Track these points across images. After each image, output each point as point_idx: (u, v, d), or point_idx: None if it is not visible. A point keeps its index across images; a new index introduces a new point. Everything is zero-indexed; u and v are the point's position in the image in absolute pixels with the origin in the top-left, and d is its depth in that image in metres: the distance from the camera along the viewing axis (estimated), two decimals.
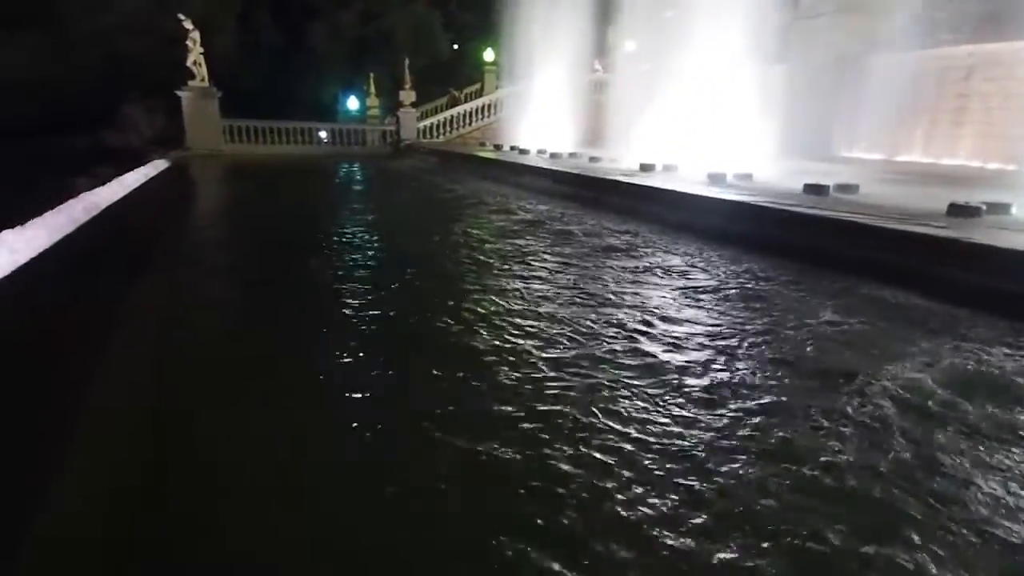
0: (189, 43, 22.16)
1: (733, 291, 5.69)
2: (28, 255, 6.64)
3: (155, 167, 16.83)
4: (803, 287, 5.80)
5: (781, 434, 3.05)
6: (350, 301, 5.49)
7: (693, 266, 6.67)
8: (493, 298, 5.44)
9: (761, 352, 4.17)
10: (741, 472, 2.71)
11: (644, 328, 4.61)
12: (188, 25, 21.91)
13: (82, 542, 2.36)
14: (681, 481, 2.63)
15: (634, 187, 10.83)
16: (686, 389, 3.56)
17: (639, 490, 2.57)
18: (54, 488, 2.68)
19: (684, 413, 3.26)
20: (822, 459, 2.81)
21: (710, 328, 4.65)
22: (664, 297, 5.48)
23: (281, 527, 2.43)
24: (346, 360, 4.11)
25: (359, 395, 3.58)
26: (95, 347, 4.36)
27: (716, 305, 5.28)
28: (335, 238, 8.70)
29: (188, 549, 2.31)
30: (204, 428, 3.23)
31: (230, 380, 3.88)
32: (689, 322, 4.78)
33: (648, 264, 6.72)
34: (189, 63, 22.32)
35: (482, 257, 7.23)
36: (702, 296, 5.53)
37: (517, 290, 5.71)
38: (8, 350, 4.21)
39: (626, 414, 3.24)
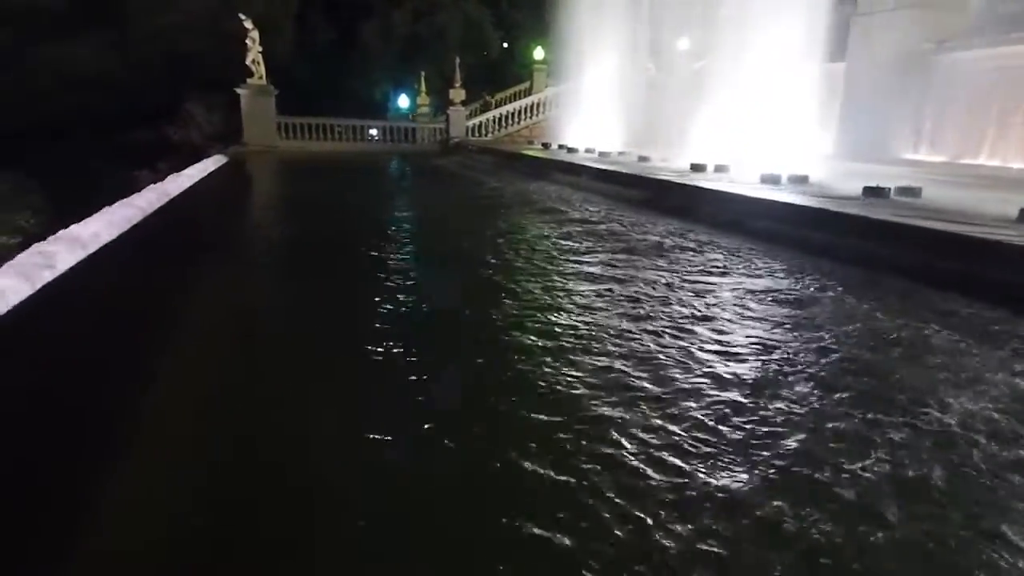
0: (248, 42, 22.83)
1: (796, 295, 5.56)
2: (96, 246, 6.97)
3: (214, 162, 17.41)
4: (866, 294, 5.63)
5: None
6: (397, 296, 5.62)
7: (745, 269, 6.55)
8: (538, 300, 5.45)
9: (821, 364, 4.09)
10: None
11: (700, 341, 4.57)
12: (248, 25, 22.57)
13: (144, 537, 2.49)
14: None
15: (685, 187, 10.71)
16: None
17: None
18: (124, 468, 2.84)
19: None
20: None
21: (769, 336, 4.55)
22: (718, 300, 5.40)
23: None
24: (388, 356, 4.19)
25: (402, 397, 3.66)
26: (160, 335, 4.58)
27: (779, 310, 5.16)
28: (384, 233, 8.87)
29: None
30: (263, 418, 3.36)
31: (288, 369, 4.02)
32: (748, 329, 4.68)
33: (701, 266, 6.63)
34: (248, 61, 22.99)
35: (527, 256, 7.26)
36: (761, 300, 5.42)
37: (563, 290, 5.73)
38: (78, 336, 4.45)
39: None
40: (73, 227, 7.20)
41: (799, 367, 3.90)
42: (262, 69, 23.26)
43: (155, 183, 12.24)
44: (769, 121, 15.78)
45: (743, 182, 10.82)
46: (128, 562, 2.23)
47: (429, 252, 7.97)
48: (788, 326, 4.74)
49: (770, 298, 5.45)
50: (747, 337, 4.42)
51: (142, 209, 9.31)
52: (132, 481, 2.69)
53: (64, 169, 24.45)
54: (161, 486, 2.68)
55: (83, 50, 27.28)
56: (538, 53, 29.88)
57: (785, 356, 4.09)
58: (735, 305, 5.22)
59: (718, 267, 6.57)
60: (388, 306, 5.27)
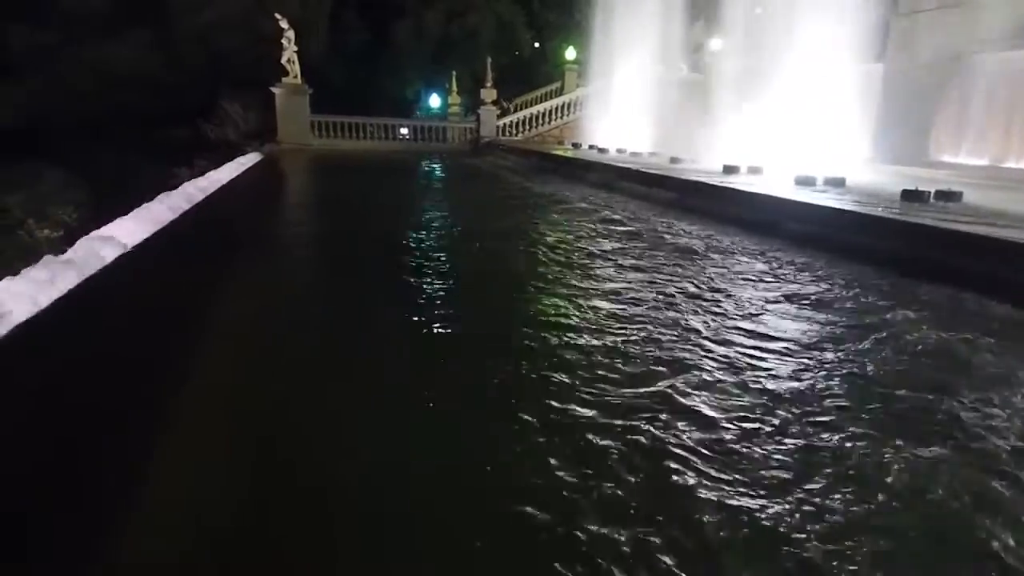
0: (284, 42, 23.21)
1: (835, 301, 5.48)
2: (137, 241, 7.15)
3: (250, 159, 17.74)
4: (910, 302, 5.50)
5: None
6: (424, 295, 5.66)
7: (779, 273, 6.45)
8: (562, 303, 5.43)
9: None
10: None
11: (733, 342, 4.52)
12: (284, 24, 22.95)
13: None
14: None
15: (717, 189, 10.59)
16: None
17: None
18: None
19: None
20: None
21: (807, 338, 4.49)
22: (754, 304, 5.34)
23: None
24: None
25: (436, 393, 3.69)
26: (195, 329, 4.70)
27: (816, 314, 5.08)
28: (413, 232, 8.95)
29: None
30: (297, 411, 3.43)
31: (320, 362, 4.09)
32: (782, 331, 4.62)
33: (734, 269, 6.56)
34: (283, 61, 23.37)
35: (556, 257, 7.26)
36: (796, 304, 5.35)
37: (593, 292, 5.72)
38: (119, 328, 4.59)
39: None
40: (112, 224, 7.42)
41: (844, 376, 3.83)
42: (297, 68, 23.63)
43: (192, 180, 12.53)
44: (805, 122, 15.56)
45: (777, 184, 10.67)
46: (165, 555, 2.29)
47: (456, 254, 8.02)
48: (828, 334, 4.59)
49: (807, 303, 5.36)
50: (788, 344, 4.34)
51: (179, 206, 9.54)
52: (169, 471, 2.77)
53: (105, 165, 25.15)
54: (199, 473, 2.75)
55: (125, 50, 28.01)
56: (570, 53, 29.84)
57: (832, 368, 3.96)
58: (772, 310, 5.13)
59: (752, 270, 6.49)
60: (421, 300, 5.32)
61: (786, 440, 2.97)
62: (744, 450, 2.86)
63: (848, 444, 2.94)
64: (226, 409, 3.44)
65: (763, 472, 2.68)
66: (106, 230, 7.01)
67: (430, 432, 3.14)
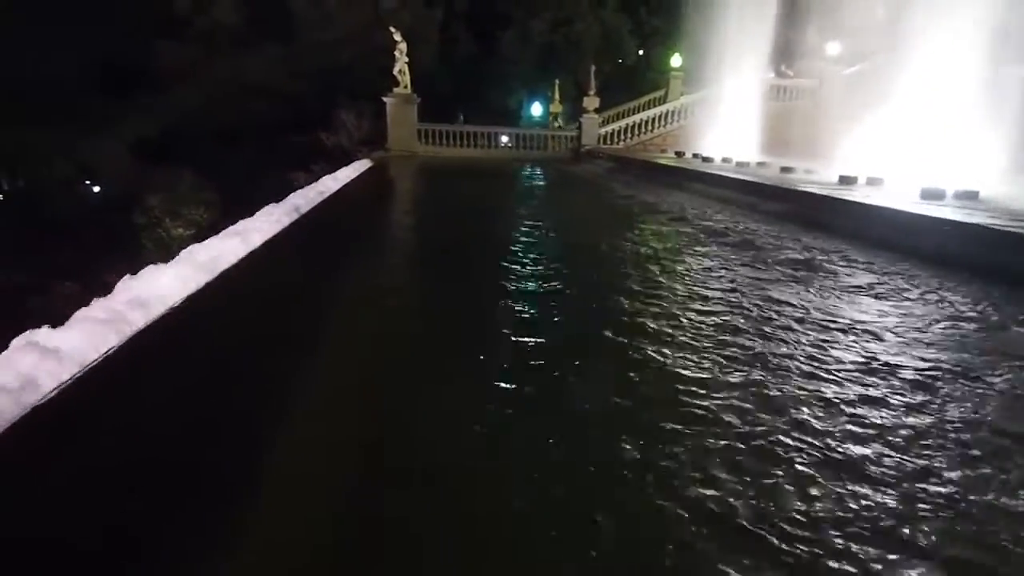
0: (397, 53, 24.23)
1: (974, 326, 5.01)
2: (261, 239, 7.73)
3: (361, 165, 18.68)
4: None
5: None
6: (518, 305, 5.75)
7: (904, 293, 6.02)
8: (665, 327, 5.35)
9: None
10: None
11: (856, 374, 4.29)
12: (397, 37, 23.97)
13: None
14: None
15: (834, 201, 10.03)
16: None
17: None
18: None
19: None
20: None
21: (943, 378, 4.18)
22: (875, 328, 4.99)
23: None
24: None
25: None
26: (320, 321, 5.03)
27: (952, 341, 4.67)
28: (518, 236, 9.09)
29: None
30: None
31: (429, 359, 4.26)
32: (911, 367, 4.16)
33: (853, 288, 6.18)
34: (395, 71, 24.41)
35: (659, 273, 7.16)
36: (926, 328, 4.94)
37: (694, 316, 5.59)
38: (247, 322, 4.99)
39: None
40: (238, 224, 8.06)
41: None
42: (407, 79, 24.59)
43: (309, 184, 13.38)
44: (932, 130, 14.46)
45: (901, 197, 9.98)
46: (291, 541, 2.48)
47: (557, 259, 8.08)
48: (964, 370, 4.07)
49: (939, 328, 4.91)
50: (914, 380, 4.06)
51: (298, 208, 10.22)
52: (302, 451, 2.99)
53: (232, 170, 27.28)
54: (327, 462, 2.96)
55: (255, 63, 30.27)
56: (675, 60, 29.29)
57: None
58: (895, 333, 4.79)
59: (871, 290, 6.07)
60: (525, 305, 5.43)
61: None
62: None
63: None
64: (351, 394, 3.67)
65: None
66: (233, 229, 7.64)
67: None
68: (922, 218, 8.12)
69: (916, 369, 3.97)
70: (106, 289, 4.67)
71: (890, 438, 3.07)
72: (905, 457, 2.88)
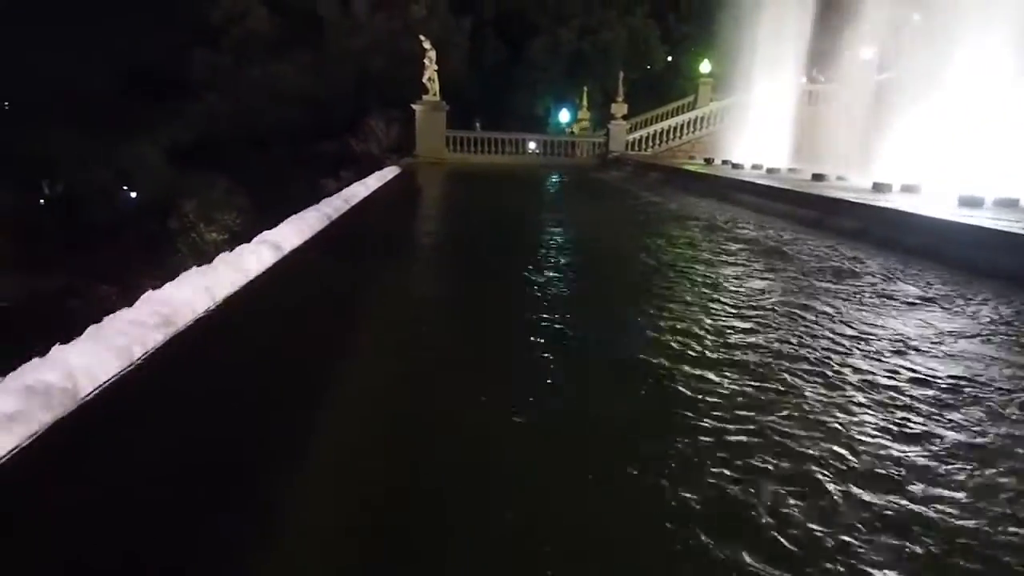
0: (426, 61, 24.43)
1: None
2: (294, 244, 7.84)
3: (390, 172, 18.84)
4: None
5: None
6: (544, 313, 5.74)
7: (947, 303, 5.86)
8: (696, 346, 5.03)
9: None
10: None
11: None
12: (427, 45, 24.18)
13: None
14: None
15: (868, 208, 9.84)
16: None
17: None
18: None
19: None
20: None
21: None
22: (913, 339, 4.88)
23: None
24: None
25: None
26: (350, 326, 5.09)
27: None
28: (546, 242, 9.10)
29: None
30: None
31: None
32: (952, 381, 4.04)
33: (890, 298, 6.05)
34: (424, 79, 24.61)
35: (688, 284, 7.09)
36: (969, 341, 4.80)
37: (727, 334, 5.52)
38: (281, 325, 5.07)
39: None
40: (272, 230, 8.18)
41: None
42: (436, 86, 24.77)
43: (339, 190, 13.53)
44: (969, 136, 14.12)
45: (937, 204, 9.75)
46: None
47: (586, 271, 8.06)
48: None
49: (980, 341, 4.77)
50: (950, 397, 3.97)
51: (328, 214, 10.35)
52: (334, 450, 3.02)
53: (264, 176, 27.75)
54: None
55: (287, 70, 30.78)
56: (704, 66, 29.09)
57: None
58: (935, 345, 4.68)
59: (911, 300, 5.93)
60: (547, 316, 5.42)
61: None
62: None
63: None
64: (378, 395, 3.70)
65: None
66: (266, 235, 7.76)
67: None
68: (953, 224, 7.92)
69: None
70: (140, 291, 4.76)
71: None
72: None
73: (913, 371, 4.06)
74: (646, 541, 2.40)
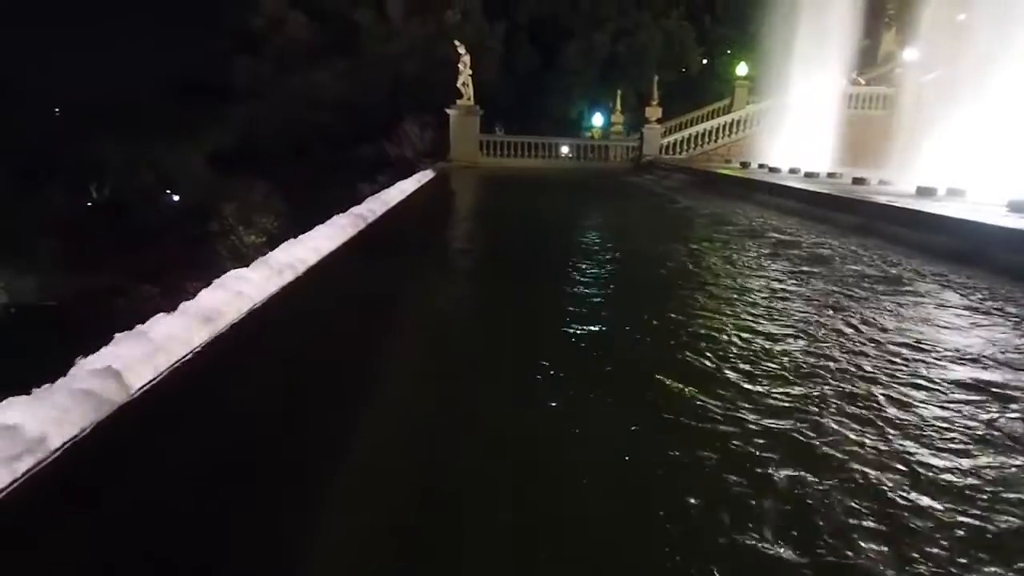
0: (460, 66, 24.61)
1: None
2: (331, 247, 7.97)
3: (425, 176, 19.02)
4: None
5: None
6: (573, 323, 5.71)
7: (996, 313, 5.70)
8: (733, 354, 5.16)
9: None
10: None
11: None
12: (461, 50, 24.36)
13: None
14: None
15: (913, 213, 9.56)
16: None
17: None
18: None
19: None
20: None
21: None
22: (961, 350, 4.77)
23: None
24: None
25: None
26: (386, 329, 5.15)
27: None
28: (579, 247, 9.08)
29: None
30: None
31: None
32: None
33: (940, 307, 5.89)
34: (459, 84, 24.79)
35: (723, 291, 7.00)
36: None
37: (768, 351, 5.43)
38: (319, 326, 5.15)
39: None
40: (309, 233, 8.33)
41: None
42: (470, 91, 24.93)
43: (374, 195, 13.71)
44: (1016, 139, 13.67)
45: (986, 208, 9.45)
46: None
47: (623, 279, 8.01)
48: None
49: None
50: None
51: (365, 217, 10.49)
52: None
53: (301, 180, 28.29)
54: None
55: (325, 77, 31.32)
56: (741, 69, 28.70)
57: None
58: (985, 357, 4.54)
59: (958, 309, 5.76)
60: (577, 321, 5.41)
61: None
62: None
63: None
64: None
65: None
66: (304, 238, 7.90)
67: None
68: (1003, 229, 7.65)
69: None
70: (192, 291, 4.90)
71: None
72: None
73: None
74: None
